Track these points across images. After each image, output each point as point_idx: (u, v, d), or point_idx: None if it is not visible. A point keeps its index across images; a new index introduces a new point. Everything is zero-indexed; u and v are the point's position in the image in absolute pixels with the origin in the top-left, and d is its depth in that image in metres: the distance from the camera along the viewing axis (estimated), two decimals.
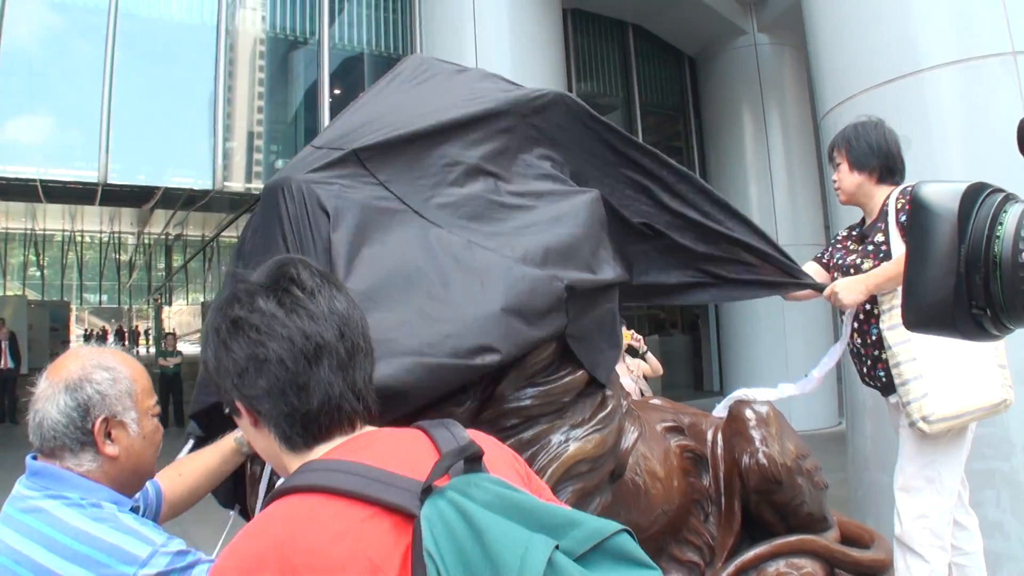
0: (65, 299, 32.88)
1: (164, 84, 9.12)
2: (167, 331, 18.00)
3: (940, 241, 0.77)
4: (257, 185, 9.35)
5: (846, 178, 2.79)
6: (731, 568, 2.30)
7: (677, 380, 12.62)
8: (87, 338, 31.21)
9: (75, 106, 8.95)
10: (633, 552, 0.83)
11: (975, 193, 0.79)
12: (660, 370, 5.99)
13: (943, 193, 0.80)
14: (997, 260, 0.74)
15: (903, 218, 2.59)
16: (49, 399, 1.31)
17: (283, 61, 9.55)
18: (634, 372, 5.66)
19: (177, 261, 30.68)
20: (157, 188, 10.33)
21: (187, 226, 19.35)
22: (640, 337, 5.94)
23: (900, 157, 2.77)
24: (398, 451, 0.95)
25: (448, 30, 8.02)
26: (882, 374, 2.68)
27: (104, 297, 38.77)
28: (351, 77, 9.22)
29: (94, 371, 1.34)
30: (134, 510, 1.34)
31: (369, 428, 1.02)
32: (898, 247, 2.54)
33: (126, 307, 38.90)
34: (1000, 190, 0.79)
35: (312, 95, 9.02)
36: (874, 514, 4.12)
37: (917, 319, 0.82)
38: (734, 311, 10.50)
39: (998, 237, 0.75)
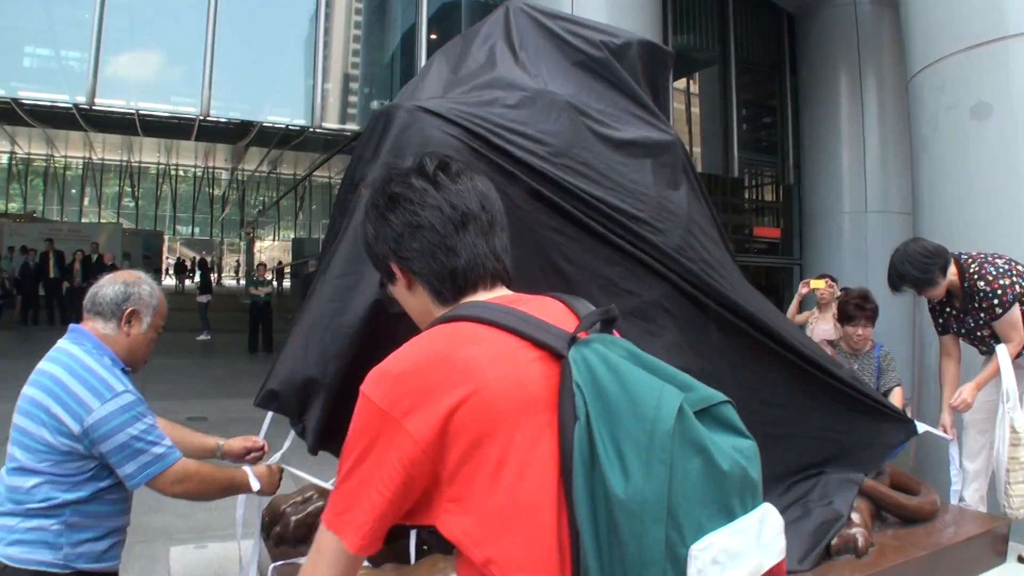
0: (158, 229, 34.25)
1: (265, 24, 9.38)
2: (258, 262, 18.73)
3: None
4: (351, 126, 9.60)
5: (940, 291, 3.33)
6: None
7: None
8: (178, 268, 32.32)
9: (177, 42, 9.27)
10: (734, 421, 0.97)
11: None
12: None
13: None
14: None
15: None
16: (110, 284, 2.13)
17: (381, 5, 9.71)
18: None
19: (269, 198, 31.50)
20: (253, 124, 10.69)
21: (281, 164, 19.88)
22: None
23: (934, 254, 3.27)
24: (543, 308, 1.11)
25: None
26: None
27: (196, 229, 40.24)
28: (448, 22, 9.33)
29: (144, 284, 2.17)
30: (124, 371, 2.07)
31: (507, 291, 1.17)
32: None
33: (217, 240, 40.25)
34: None
35: (409, 39, 9.17)
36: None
37: None
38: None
39: None
